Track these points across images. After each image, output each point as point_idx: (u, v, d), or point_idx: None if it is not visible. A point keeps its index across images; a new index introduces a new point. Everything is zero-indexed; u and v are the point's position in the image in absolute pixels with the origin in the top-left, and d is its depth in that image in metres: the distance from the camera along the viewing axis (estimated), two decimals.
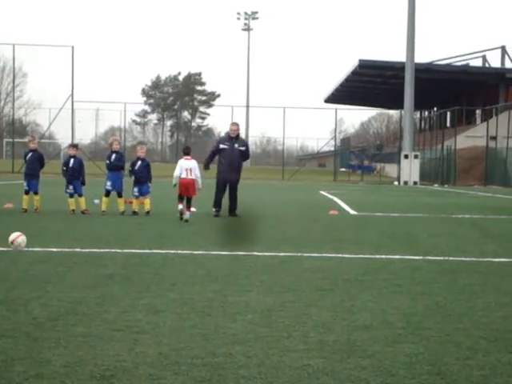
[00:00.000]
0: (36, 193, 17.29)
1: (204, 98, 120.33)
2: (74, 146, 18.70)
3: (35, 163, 17.56)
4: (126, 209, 16.91)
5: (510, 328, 6.03)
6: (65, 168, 17.39)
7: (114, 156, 17.22)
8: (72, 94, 50.02)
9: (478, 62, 67.08)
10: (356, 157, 79.41)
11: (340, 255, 10.36)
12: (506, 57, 66.57)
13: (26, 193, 17.29)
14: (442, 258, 10.25)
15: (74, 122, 52.23)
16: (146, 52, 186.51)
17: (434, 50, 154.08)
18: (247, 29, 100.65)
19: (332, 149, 65.33)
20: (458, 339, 5.59)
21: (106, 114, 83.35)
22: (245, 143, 17.99)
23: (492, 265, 9.81)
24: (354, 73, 62.88)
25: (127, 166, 17.68)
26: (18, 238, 10.25)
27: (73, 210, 16.89)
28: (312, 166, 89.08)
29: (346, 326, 5.94)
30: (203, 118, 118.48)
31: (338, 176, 55.43)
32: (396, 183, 51.79)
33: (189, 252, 10.34)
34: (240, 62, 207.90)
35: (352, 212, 19.91)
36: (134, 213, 16.77)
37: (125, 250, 10.33)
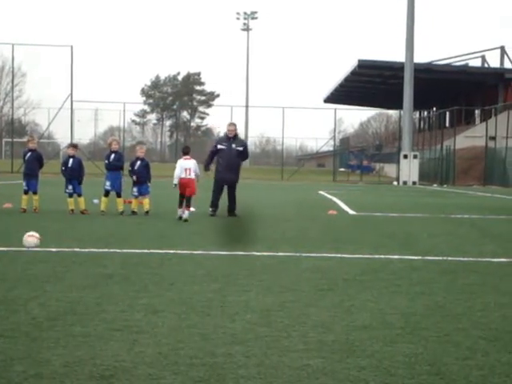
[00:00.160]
0: (35, 193, 17.29)
1: (203, 97, 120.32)
2: (73, 145, 18.70)
3: (34, 163, 17.56)
4: (125, 209, 16.91)
5: (508, 328, 6.03)
6: (64, 168, 17.39)
7: (112, 156, 17.22)
8: (71, 94, 50.04)
9: (477, 62, 67.18)
10: (355, 157, 79.43)
11: (339, 255, 10.36)
12: (505, 57, 66.61)
13: (25, 193, 17.29)
14: (441, 258, 10.25)
15: (73, 121, 52.24)
16: (146, 52, 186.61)
17: (433, 50, 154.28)
18: (246, 29, 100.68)
19: (331, 149, 65.35)
20: (457, 339, 5.59)
21: (105, 114, 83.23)
22: (243, 143, 18.00)
23: (491, 265, 9.82)
24: (353, 73, 62.90)
25: (126, 165, 17.68)
26: (32, 238, 10.40)
27: (72, 210, 16.89)
28: (311, 166, 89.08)
29: (345, 326, 5.94)
30: (202, 118, 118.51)
31: (337, 176, 55.45)
32: (395, 183, 51.81)
33: (188, 252, 10.34)
34: (239, 62, 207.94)
35: (351, 212, 19.91)
36: (133, 213, 16.78)
37: (124, 250, 10.33)
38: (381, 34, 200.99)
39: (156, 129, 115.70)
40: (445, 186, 49.08)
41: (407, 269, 9.20)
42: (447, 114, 67.83)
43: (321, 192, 33.29)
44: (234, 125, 17.68)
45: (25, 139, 31.32)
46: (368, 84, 71.76)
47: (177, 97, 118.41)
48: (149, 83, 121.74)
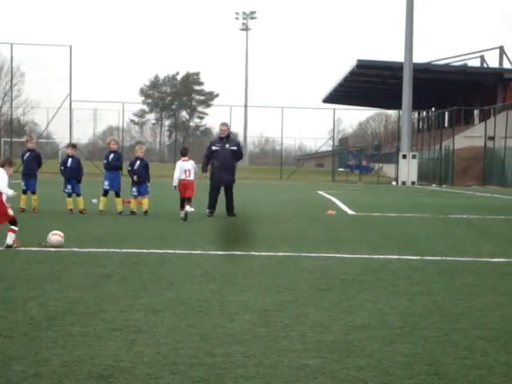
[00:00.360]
0: (34, 192, 17.30)
1: (202, 97, 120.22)
2: (72, 145, 18.71)
3: (33, 163, 17.57)
4: (124, 209, 16.91)
5: (507, 328, 6.03)
6: (63, 168, 17.39)
7: (111, 156, 17.22)
8: (70, 94, 49.99)
9: (476, 63, 67.16)
10: (354, 157, 79.43)
11: (338, 255, 10.37)
12: (504, 57, 66.62)
13: (24, 192, 17.29)
14: (439, 258, 10.25)
15: (72, 121, 52.20)
16: (144, 52, 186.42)
17: (432, 50, 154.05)
18: (245, 29, 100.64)
19: (330, 149, 65.31)
20: (455, 339, 5.60)
21: (104, 114, 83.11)
22: (236, 143, 17.95)
23: (489, 265, 9.83)
24: (352, 73, 62.87)
25: (125, 165, 17.69)
26: (57, 237, 10.49)
27: (71, 210, 16.89)
28: (310, 165, 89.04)
29: (344, 326, 5.94)
30: (201, 118, 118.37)
31: (336, 176, 55.43)
32: (394, 183, 51.80)
33: (187, 252, 10.34)
34: (238, 62, 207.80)
35: (350, 212, 19.92)
36: (132, 212, 16.78)
37: (123, 250, 10.33)
38: (380, 34, 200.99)
39: (155, 129, 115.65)
40: (444, 186, 49.09)
41: (406, 269, 9.20)
42: (446, 114, 67.82)
43: (320, 192, 33.30)
44: (226, 125, 17.59)
45: (23, 139, 31.32)
46: (367, 84, 71.77)
47: (176, 97, 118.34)
48: (148, 83, 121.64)
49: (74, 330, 5.61)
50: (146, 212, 16.73)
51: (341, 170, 69.82)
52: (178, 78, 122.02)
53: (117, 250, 10.29)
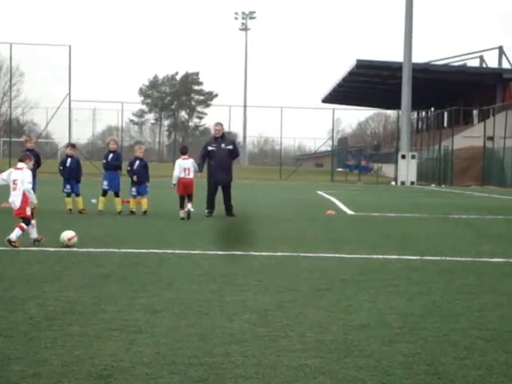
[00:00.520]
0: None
1: (201, 97, 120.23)
2: (71, 145, 18.72)
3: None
4: (123, 208, 16.91)
5: (506, 328, 6.04)
6: (62, 167, 17.40)
7: (111, 155, 17.22)
8: (69, 94, 49.98)
9: (475, 63, 67.13)
10: (353, 157, 79.40)
11: (337, 255, 10.37)
12: (504, 57, 66.63)
13: None
14: (438, 258, 10.26)
15: (71, 121, 52.19)
16: (144, 51, 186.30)
17: (431, 50, 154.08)
18: (245, 28, 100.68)
19: (329, 149, 65.31)
20: (454, 339, 5.60)
21: (103, 114, 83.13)
22: (232, 141, 17.92)
23: (488, 265, 9.83)
24: (352, 73, 62.85)
25: (125, 165, 17.69)
26: (74, 237, 10.58)
27: (70, 210, 16.89)
28: (309, 166, 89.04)
29: (343, 326, 5.95)
30: (201, 118, 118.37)
31: (335, 176, 55.41)
32: (393, 183, 51.79)
33: (186, 252, 10.34)
34: (237, 62, 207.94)
35: (349, 212, 19.92)
36: (132, 212, 16.79)
37: (122, 250, 10.33)
38: (379, 34, 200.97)
39: (154, 128, 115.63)
40: (443, 186, 49.10)
41: (405, 269, 9.20)
42: (445, 114, 67.79)
43: (319, 192, 33.30)
44: (221, 124, 17.55)
45: (23, 139, 31.31)
46: (366, 84, 71.74)
47: (175, 96, 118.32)
48: (147, 83, 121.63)
49: (73, 330, 5.61)
50: (145, 212, 16.73)
51: (340, 170, 69.81)
52: (178, 77, 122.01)
53: (116, 250, 10.29)
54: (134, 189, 17.09)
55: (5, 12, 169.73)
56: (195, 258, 9.78)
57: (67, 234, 10.69)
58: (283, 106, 56.23)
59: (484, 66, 66.84)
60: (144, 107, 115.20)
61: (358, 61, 59.53)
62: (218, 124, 17.51)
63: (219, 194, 17.13)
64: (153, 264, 9.10)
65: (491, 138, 52.96)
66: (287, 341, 5.44)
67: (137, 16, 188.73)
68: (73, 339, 5.34)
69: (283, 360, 4.92)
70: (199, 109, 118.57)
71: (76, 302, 6.67)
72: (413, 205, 24.25)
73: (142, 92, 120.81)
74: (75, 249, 10.34)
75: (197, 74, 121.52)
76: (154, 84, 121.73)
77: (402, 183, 50.24)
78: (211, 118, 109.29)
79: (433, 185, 50.36)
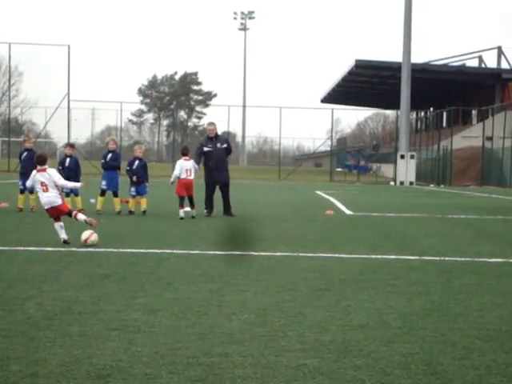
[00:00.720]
0: (31, 192, 17.26)
1: (200, 97, 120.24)
2: (70, 145, 18.69)
3: (30, 162, 17.53)
4: (122, 208, 16.91)
5: (505, 328, 6.04)
6: (60, 167, 17.37)
7: (109, 155, 17.22)
8: (68, 93, 49.99)
9: (474, 63, 67.17)
10: (352, 157, 79.45)
11: (336, 255, 10.37)
12: (502, 57, 66.64)
13: (21, 192, 17.29)
14: (437, 258, 10.26)
15: (70, 121, 52.19)
16: (143, 51, 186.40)
17: (430, 51, 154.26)
18: (244, 28, 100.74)
19: (328, 149, 65.30)
20: (453, 339, 5.60)
21: (102, 114, 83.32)
22: (225, 139, 17.95)
23: (487, 265, 9.83)
24: (351, 73, 62.85)
25: (124, 165, 17.68)
26: (90, 236, 10.72)
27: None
28: (308, 166, 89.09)
29: (342, 326, 5.95)
30: (199, 118, 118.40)
31: (334, 176, 55.42)
32: (392, 183, 51.80)
33: (185, 252, 10.34)
34: (236, 62, 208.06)
35: (348, 212, 19.92)
36: (131, 212, 16.79)
37: (121, 250, 10.34)
38: (378, 34, 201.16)
39: (153, 128, 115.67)
40: (442, 186, 49.12)
41: (404, 269, 9.21)
42: (444, 114, 67.80)
43: (318, 192, 33.30)
44: (214, 124, 17.57)
45: (21, 138, 31.30)
46: (365, 84, 71.75)
47: (174, 96, 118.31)
48: (146, 83, 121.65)
49: (72, 330, 5.61)
50: (144, 212, 16.74)
51: (339, 170, 69.84)
52: (176, 77, 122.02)
53: (115, 250, 10.29)
54: (133, 189, 17.09)
55: (4, 12, 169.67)
56: (194, 258, 9.78)
57: (83, 236, 10.80)
58: (282, 105, 56.38)
59: (483, 66, 66.87)
60: (143, 107, 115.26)
61: (357, 61, 59.53)
62: (212, 124, 17.57)
63: (217, 194, 17.15)
64: (152, 264, 9.10)
65: (490, 138, 52.97)
66: (286, 341, 5.44)
67: (136, 16, 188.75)
68: (72, 339, 5.34)
69: (282, 360, 4.93)
70: (198, 109, 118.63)
71: (75, 301, 6.67)
72: (412, 205, 24.25)
73: (140, 92, 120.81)
74: (74, 248, 10.34)
75: (196, 73, 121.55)
76: (153, 84, 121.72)
77: (401, 183, 50.26)
78: (210, 117, 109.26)
79: (432, 185, 50.38)
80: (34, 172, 11.26)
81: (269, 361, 4.90)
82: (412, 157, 51.45)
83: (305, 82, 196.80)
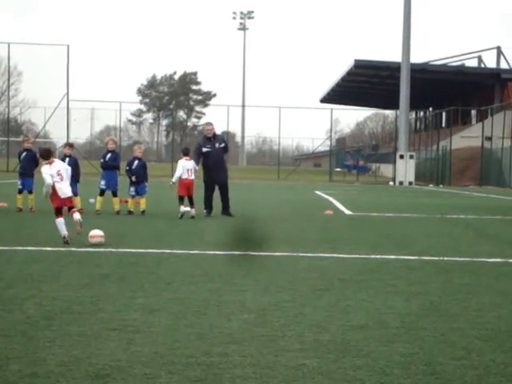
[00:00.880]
0: (30, 192, 17.29)
1: (200, 97, 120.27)
2: (69, 145, 18.68)
3: (30, 162, 17.59)
4: (122, 208, 16.91)
5: (504, 328, 6.04)
6: None
7: (109, 155, 17.22)
8: (67, 93, 49.98)
9: (473, 63, 67.19)
10: (351, 157, 79.47)
11: (335, 255, 10.37)
12: (502, 57, 66.66)
13: (20, 192, 17.29)
14: (436, 259, 10.26)
15: (70, 121, 52.16)
16: (142, 51, 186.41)
17: (429, 51, 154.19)
18: (243, 28, 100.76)
19: (327, 149, 65.32)
20: (452, 339, 5.60)
21: (101, 113, 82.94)
22: (222, 138, 17.98)
23: (486, 265, 9.84)
24: (350, 73, 62.87)
25: (123, 165, 17.68)
26: (98, 238, 10.75)
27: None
28: (307, 165, 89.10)
29: (341, 326, 5.95)
30: (199, 118, 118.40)
31: (333, 176, 55.43)
32: (391, 183, 51.81)
33: (184, 252, 10.34)
34: (236, 62, 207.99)
35: (347, 212, 19.92)
36: (130, 212, 16.79)
37: (120, 250, 10.33)
38: (377, 34, 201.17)
39: (152, 128, 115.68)
40: (441, 186, 49.13)
41: (403, 269, 9.21)
42: (443, 114, 67.80)
43: (317, 192, 33.30)
44: (211, 124, 17.60)
45: (20, 138, 31.28)
46: (364, 84, 71.76)
47: (173, 96, 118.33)
48: (145, 82, 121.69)
49: (71, 330, 5.61)
50: (143, 212, 16.74)
51: (338, 170, 69.86)
52: (176, 77, 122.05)
53: (114, 250, 10.28)
54: (132, 188, 17.10)
55: (3, 12, 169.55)
56: (194, 258, 9.78)
57: (92, 232, 10.90)
58: (281, 105, 56.45)
59: (482, 66, 66.89)
60: (142, 107, 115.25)
61: (356, 61, 59.53)
62: (209, 124, 17.62)
63: (216, 194, 17.16)
64: (151, 264, 9.10)
65: (489, 138, 52.98)
66: (285, 341, 5.44)
67: (135, 16, 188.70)
68: (71, 339, 5.34)
69: (281, 360, 4.93)
70: (197, 108, 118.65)
71: (74, 301, 6.67)
72: (411, 205, 24.26)
73: (140, 92, 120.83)
74: (73, 248, 10.34)
75: (195, 73, 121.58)
76: (152, 84, 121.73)
77: (400, 183, 50.27)
78: (209, 117, 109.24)
79: (431, 185, 50.39)
80: (48, 166, 11.38)
81: (268, 361, 4.90)
82: (411, 157, 51.47)
83: (304, 81, 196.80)
